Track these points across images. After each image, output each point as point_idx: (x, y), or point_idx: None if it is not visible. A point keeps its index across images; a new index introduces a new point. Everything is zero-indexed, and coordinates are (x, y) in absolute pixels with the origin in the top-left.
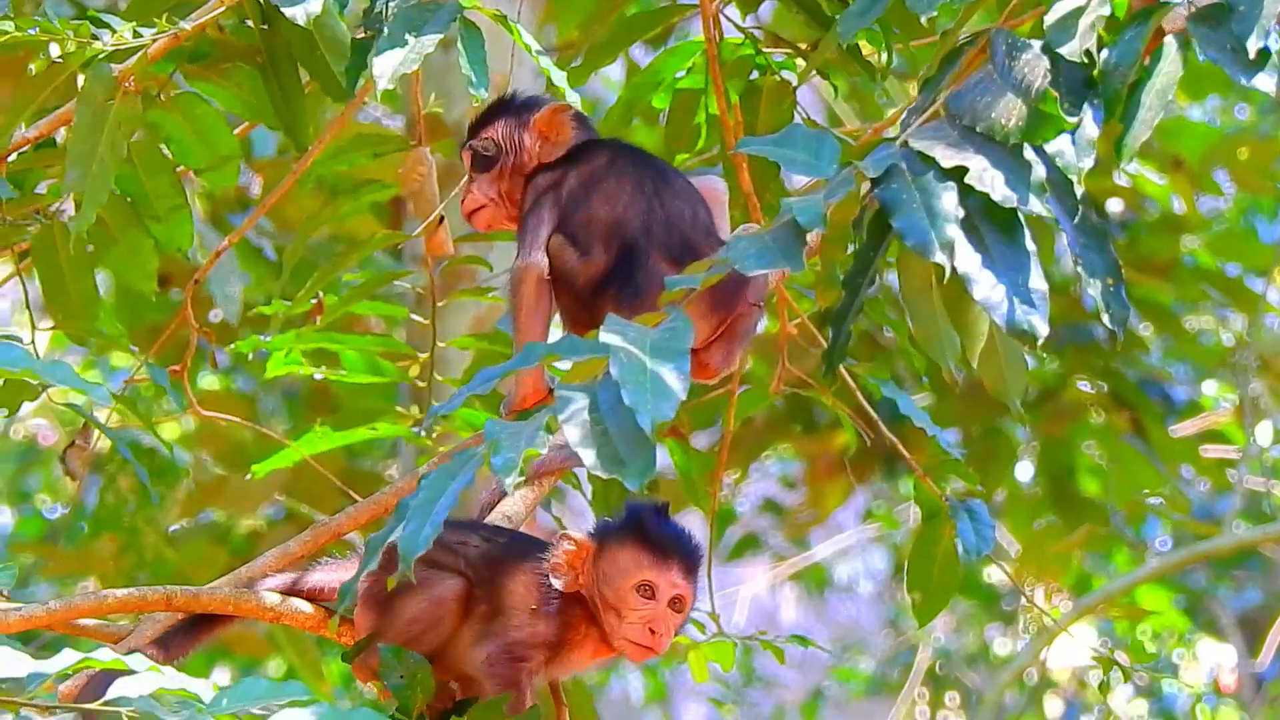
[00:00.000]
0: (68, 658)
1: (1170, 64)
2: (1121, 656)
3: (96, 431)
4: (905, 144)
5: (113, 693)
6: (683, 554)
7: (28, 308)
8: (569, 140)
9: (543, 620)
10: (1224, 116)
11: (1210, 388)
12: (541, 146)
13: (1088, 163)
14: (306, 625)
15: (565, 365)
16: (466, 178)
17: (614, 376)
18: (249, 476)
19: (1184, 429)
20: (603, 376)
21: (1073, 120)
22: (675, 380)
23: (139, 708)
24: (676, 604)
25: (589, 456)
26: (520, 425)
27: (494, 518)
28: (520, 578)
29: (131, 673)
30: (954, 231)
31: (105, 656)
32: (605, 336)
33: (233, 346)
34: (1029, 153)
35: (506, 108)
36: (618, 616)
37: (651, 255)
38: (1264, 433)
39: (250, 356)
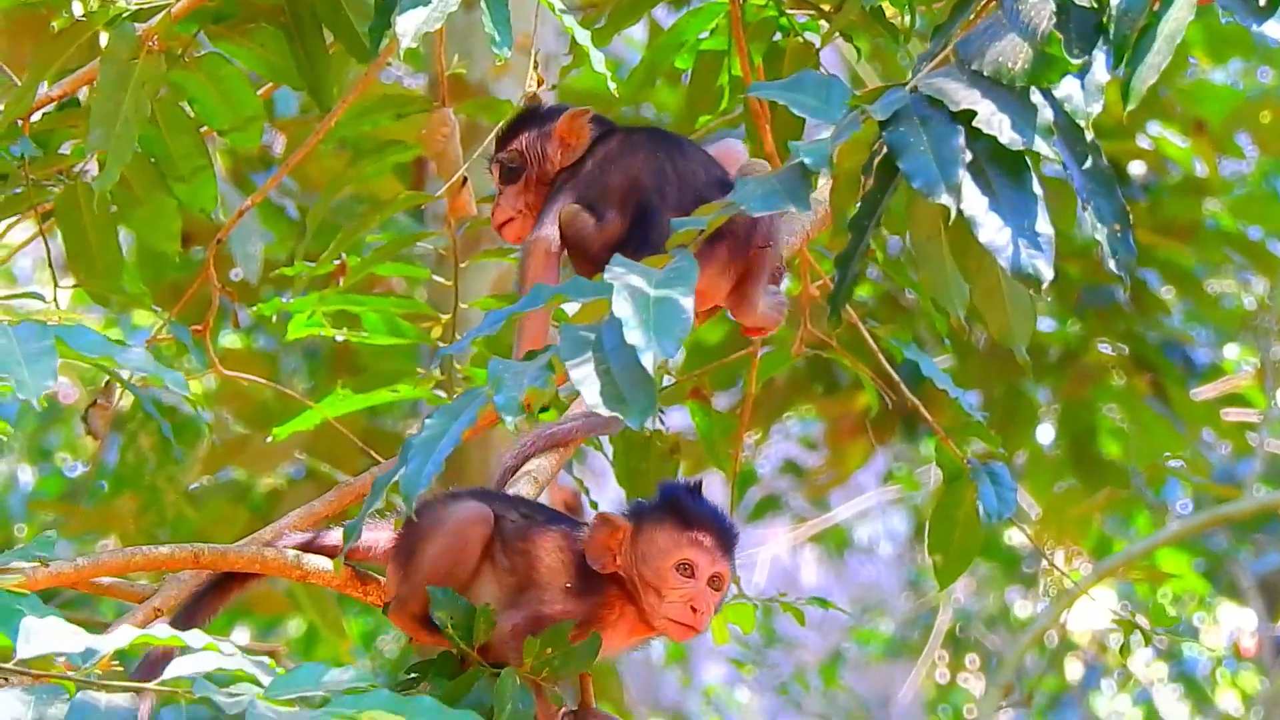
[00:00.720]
0: (125, 635)
1: (1180, 9)
2: (1142, 620)
3: (118, 391)
4: (914, 89)
5: (170, 671)
6: (720, 532)
7: (50, 266)
8: (585, 142)
9: (575, 598)
10: (1246, 79)
11: (1232, 351)
12: (563, 153)
13: (1096, 107)
14: (331, 583)
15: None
16: (496, 191)
17: (617, 315)
18: (270, 438)
19: (1205, 392)
20: (608, 316)
21: (1079, 63)
22: (678, 319)
23: (196, 690)
24: (715, 581)
25: (592, 394)
26: (524, 364)
27: (519, 478)
28: (556, 554)
29: (190, 650)
30: (961, 174)
31: (163, 633)
32: (610, 276)
33: (255, 308)
34: (1036, 96)
35: (531, 119)
36: (658, 596)
37: (665, 214)
38: None
39: (274, 318)
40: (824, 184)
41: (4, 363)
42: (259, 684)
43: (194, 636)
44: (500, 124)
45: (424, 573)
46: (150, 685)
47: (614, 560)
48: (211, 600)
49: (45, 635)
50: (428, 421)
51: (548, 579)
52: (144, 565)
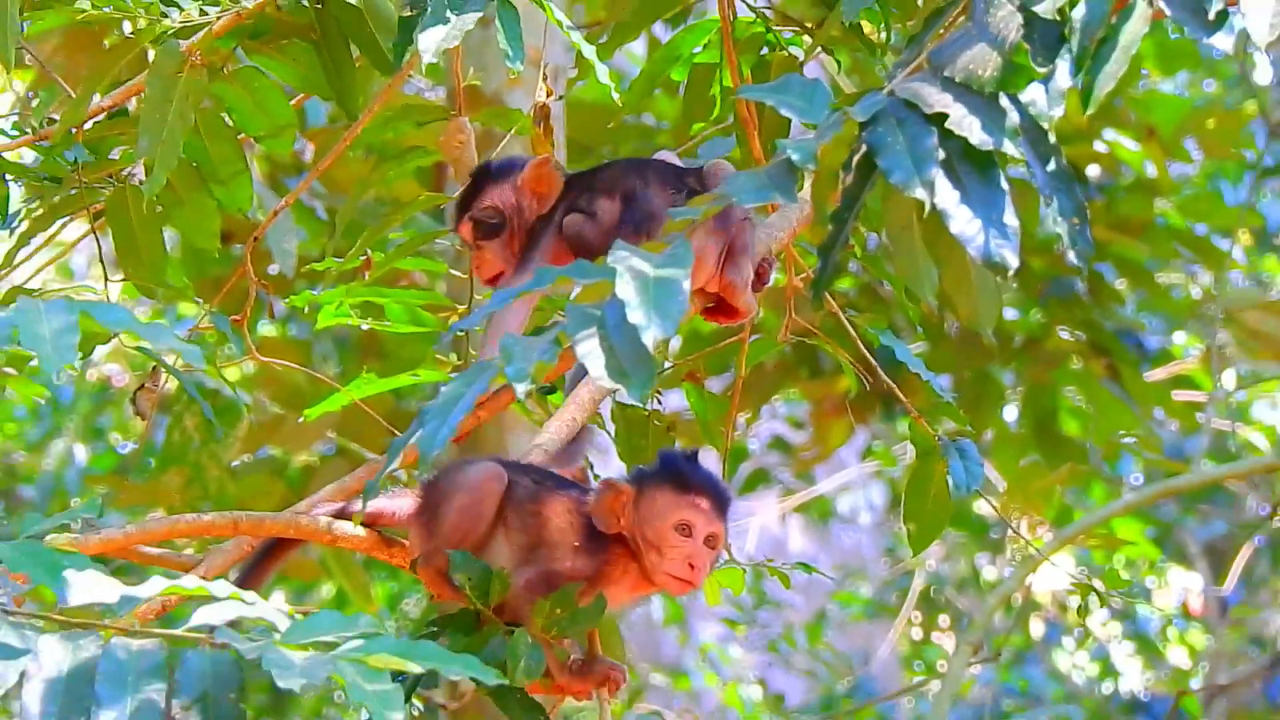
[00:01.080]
0: (156, 585)
1: (1136, 22)
2: (1098, 583)
3: (165, 375)
4: (891, 93)
5: (195, 619)
6: (716, 495)
7: (101, 262)
8: (557, 189)
9: (583, 557)
10: (1193, 90)
11: (1180, 337)
12: (538, 202)
13: (1058, 111)
14: (359, 546)
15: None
16: (472, 250)
17: (619, 296)
18: (302, 419)
19: (1156, 375)
20: (610, 297)
21: (1043, 71)
22: (676, 300)
23: (218, 637)
24: (711, 541)
25: (596, 368)
26: (533, 339)
27: (529, 450)
28: (565, 516)
29: (214, 600)
30: (934, 171)
31: (191, 584)
32: (613, 260)
33: (289, 300)
34: (1004, 101)
35: (491, 176)
36: (658, 554)
37: (652, 186)
38: (1229, 379)
39: (305, 309)
40: (808, 186)
41: (30, 339)
42: (277, 630)
43: (219, 587)
44: (458, 190)
45: (445, 528)
46: (177, 632)
47: (618, 522)
48: (264, 566)
49: (85, 586)
50: (442, 389)
51: (557, 538)
52: (188, 531)
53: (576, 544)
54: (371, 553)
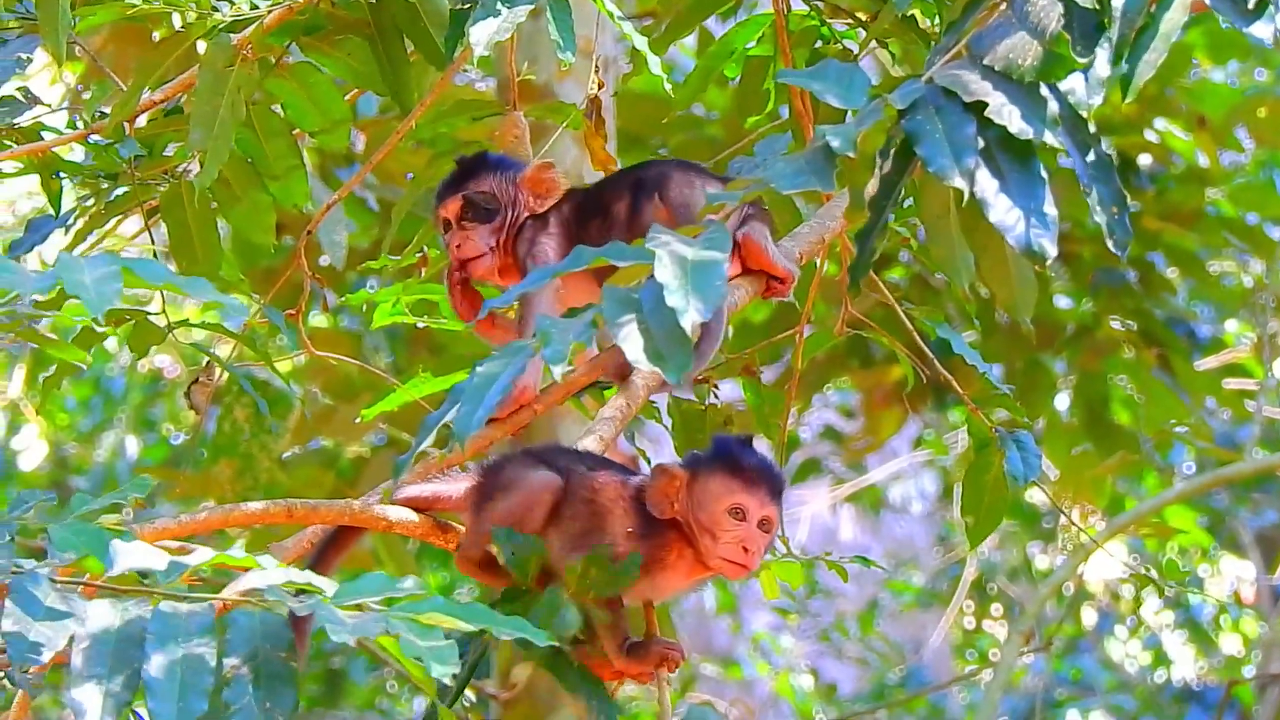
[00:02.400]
0: (204, 553)
1: (1175, 11)
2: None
3: (217, 369)
4: (930, 80)
5: (243, 584)
6: (769, 479)
7: (155, 256)
8: (557, 193)
9: (637, 542)
10: (1244, 79)
11: (1232, 326)
12: (535, 201)
13: (1097, 100)
14: (414, 532)
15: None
16: (454, 228)
17: (658, 280)
18: (358, 419)
19: (1207, 364)
20: (647, 280)
21: (1084, 61)
22: (714, 285)
23: (269, 596)
24: (765, 524)
25: (634, 350)
26: (570, 320)
27: (585, 435)
28: (619, 503)
29: (262, 569)
30: (974, 159)
31: (237, 554)
32: (651, 243)
33: (344, 299)
34: (1043, 90)
35: (487, 164)
36: (713, 538)
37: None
38: None
39: (362, 307)
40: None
41: (72, 283)
42: (324, 593)
43: (266, 559)
44: (450, 168)
45: (488, 526)
46: (225, 596)
47: (672, 507)
48: (328, 558)
49: (132, 555)
50: (478, 369)
51: (611, 525)
52: (243, 520)
53: (630, 529)
54: (427, 538)
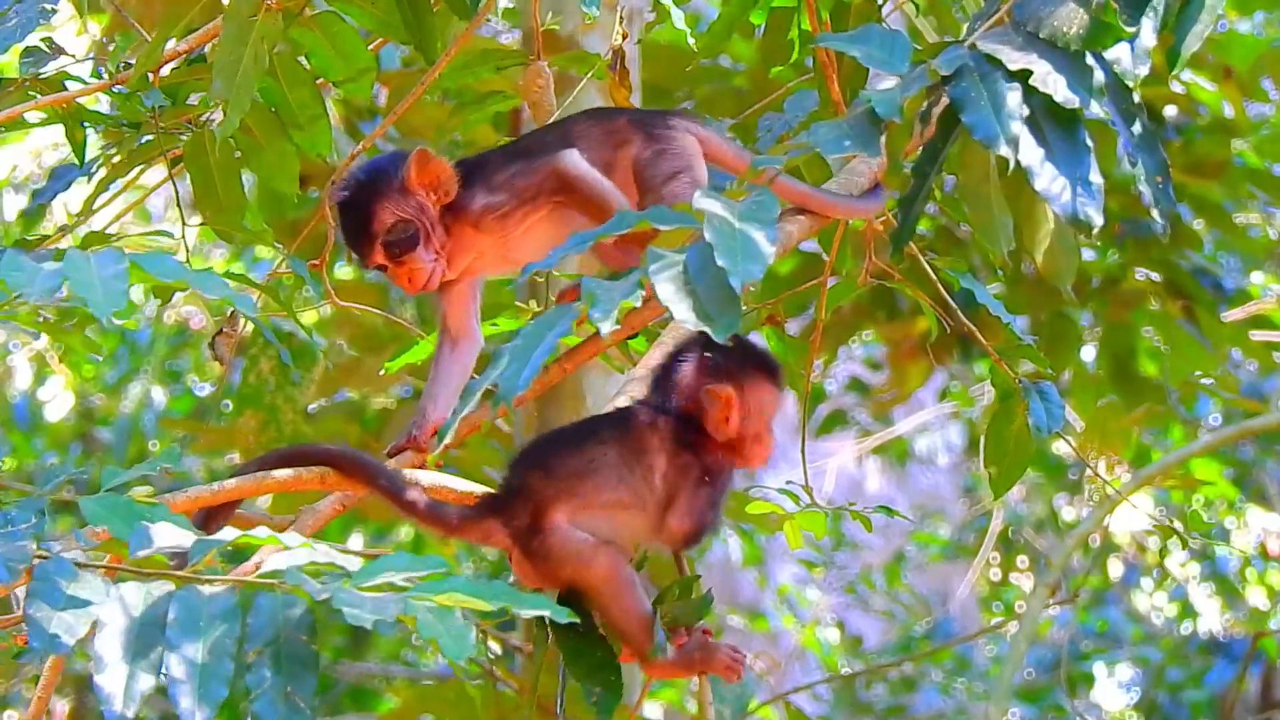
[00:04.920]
0: (230, 534)
1: None
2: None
3: (242, 320)
4: (973, 46)
5: (266, 565)
6: (779, 368)
7: (179, 206)
8: (452, 174)
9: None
10: (1270, 29)
11: (1258, 277)
12: (438, 195)
13: (1143, 70)
14: (448, 497)
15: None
16: (391, 268)
17: (708, 240)
18: (382, 371)
19: (1234, 315)
20: (693, 240)
21: (1131, 30)
22: (763, 244)
23: (289, 580)
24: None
25: (682, 310)
26: (616, 281)
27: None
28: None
29: (286, 548)
30: (1018, 128)
31: (262, 533)
32: (699, 204)
33: None
34: (1089, 59)
35: (367, 193)
36: (759, 442)
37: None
38: None
39: None
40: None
41: (80, 284)
42: (347, 574)
43: (291, 538)
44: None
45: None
46: (248, 578)
47: (729, 427)
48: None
49: (158, 535)
50: (522, 330)
51: (673, 475)
52: (276, 488)
53: (680, 462)
54: (458, 503)
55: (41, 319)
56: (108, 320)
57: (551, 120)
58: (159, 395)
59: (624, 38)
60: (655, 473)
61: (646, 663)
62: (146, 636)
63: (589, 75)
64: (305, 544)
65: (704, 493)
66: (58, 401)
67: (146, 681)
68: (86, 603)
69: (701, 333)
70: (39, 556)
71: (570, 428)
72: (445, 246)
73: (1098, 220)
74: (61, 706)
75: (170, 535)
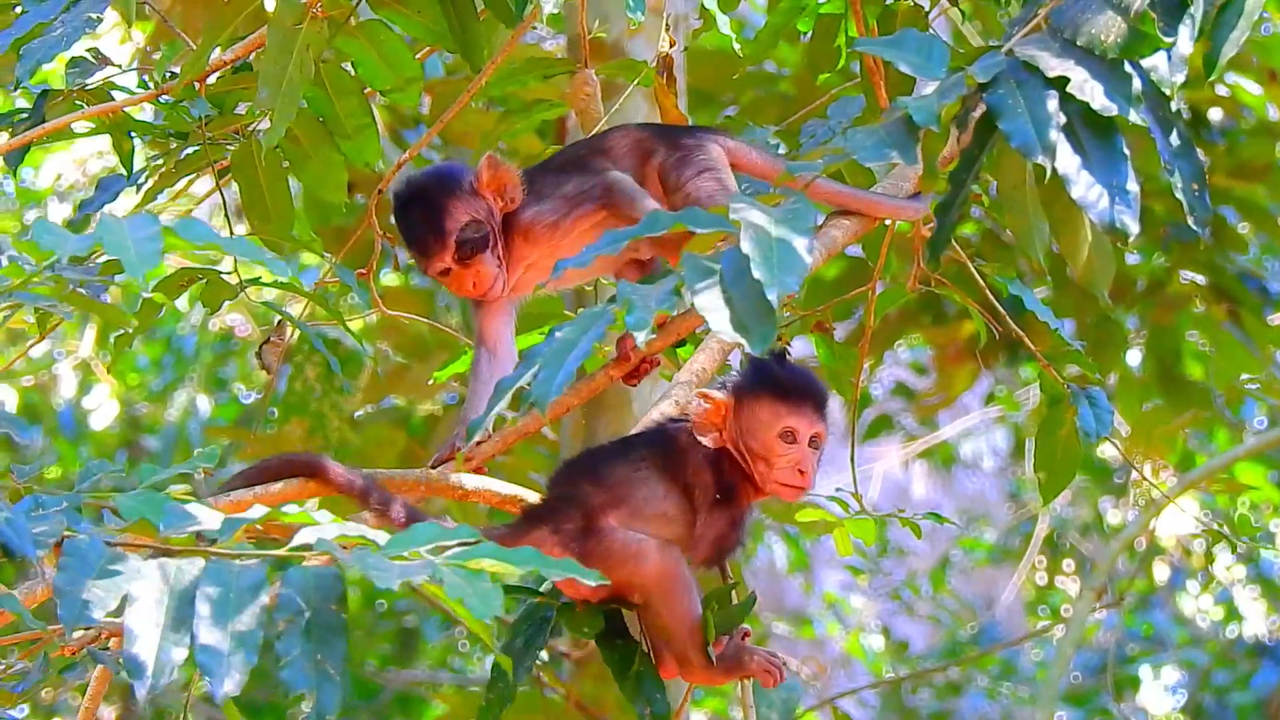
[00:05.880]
0: (257, 510)
1: None
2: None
3: (289, 328)
4: (1010, 53)
5: (296, 539)
6: (814, 395)
7: (226, 215)
8: (519, 181)
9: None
10: None
11: None
12: (506, 201)
13: (1180, 78)
14: (491, 501)
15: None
16: (455, 271)
17: (744, 250)
18: (431, 380)
19: (1279, 318)
20: (728, 248)
21: (1169, 39)
22: (801, 254)
23: (318, 547)
24: (815, 441)
25: (718, 321)
26: (651, 287)
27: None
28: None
29: (316, 524)
30: (1055, 135)
31: (292, 510)
32: (736, 212)
33: None
34: (1126, 66)
35: (440, 194)
36: (767, 464)
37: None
38: None
39: None
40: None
41: (114, 245)
42: (377, 545)
43: (321, 514)
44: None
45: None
46: (277, 552)
47: (720, 436)
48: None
49: (184, 515)
50: (557, 334)
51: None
52: (318, 492)
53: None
54: (501, 505)
55: (70, 289)
56: (140, 280)
57: (593, 133)
58: (204, 403)
59: (671, 44)
60: (694, 490)
61: (686, 666)
62: (177, 609)
63: (635, 82)
64: (335, 519)
65: (724, 515)
66: (103, 410)
67: (179, 654)
68: (117, 574)
69: (757, 358)
70: (68, 533)
71: (611, 445)
72: (504, 257)
73: (1133, 228)
74: (109, 714)
75: (196, 514)
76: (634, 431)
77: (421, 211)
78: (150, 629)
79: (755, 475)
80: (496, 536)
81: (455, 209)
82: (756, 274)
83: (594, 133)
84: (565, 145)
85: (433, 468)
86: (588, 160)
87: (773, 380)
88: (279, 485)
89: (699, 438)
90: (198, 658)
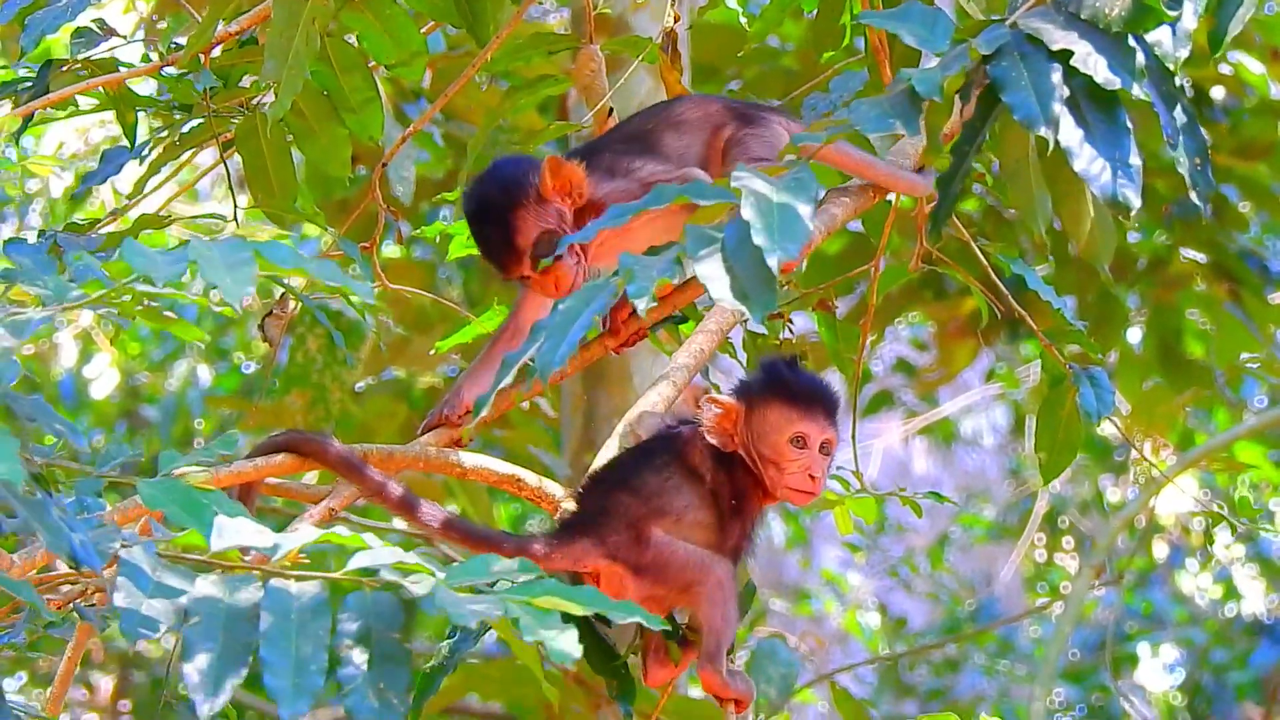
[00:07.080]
0: (309, 532)
1: None
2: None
3: (291, 300)
4: (1014, 25)
5: (352, 564)
6: (825, 401)
7: (229, 187)
8: (583, 178)
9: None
10: None
11: None
12: (573, 200)
13: (1184, 53)
14: (489, 479)
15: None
16: (535, 277)
17: (745, 218)
18: (432, 351)
19: None
20: (731, 217)
21: (1174, 14)
22: (800, 225)
23: (384, 575)
24: (825, 447)
25: (719, 289)
26: (652, 258)
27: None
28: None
29: (369, 549)
30: (1059, 108)
31: (344, 532)
32: (737, 181)
33: (418, 230)
34: (1130, 40)
35: (506, 203)
36: (778, 469)
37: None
38: None
39: (435, 239)
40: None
41: (208, 270)
42: (436, 574)
43: (371, 538)
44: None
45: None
46: (335, 575)
47: (732, 440)
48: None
49: (235, 531)
50: (559, 307)
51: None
52: (318, 466)
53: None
54: (502, 486)
55: (143, 305)
56: (239, 305)
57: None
58: (205, 373)
59: (675, 20)
60: (718, 496)
61: (709, 667)
62: (235, 627)
63: (640, 58)
64: (387, 543)
65: (740, 519)
66: (103, 379)
67: (236, 674)
68: (176, 591)
69: (769, 362)
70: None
71: (629, 454)
72: (581, 252)
73: (1135, 202)
74: (106, 683)
75: (246, 531)
76: (644, 438)
77: (489, 227)
78: (208, 646)
79: (766, 480)
80: (540, 551)
81: (525, 223)
82: (757, 240)
83: (659, 102)
84: (631, 116)
85: (421, 433)
86: (660, 136)
87: (784, 386)
88: (280, 457)
89: (711, 442)
90: (264, 680)
